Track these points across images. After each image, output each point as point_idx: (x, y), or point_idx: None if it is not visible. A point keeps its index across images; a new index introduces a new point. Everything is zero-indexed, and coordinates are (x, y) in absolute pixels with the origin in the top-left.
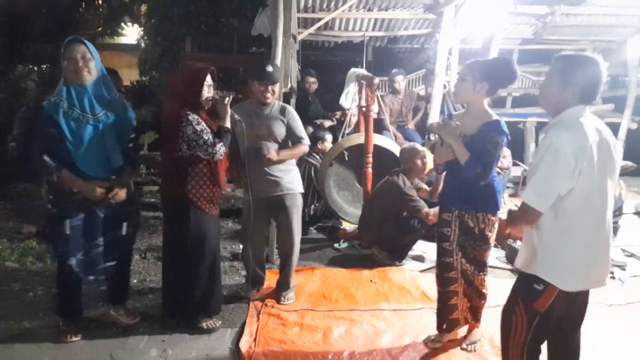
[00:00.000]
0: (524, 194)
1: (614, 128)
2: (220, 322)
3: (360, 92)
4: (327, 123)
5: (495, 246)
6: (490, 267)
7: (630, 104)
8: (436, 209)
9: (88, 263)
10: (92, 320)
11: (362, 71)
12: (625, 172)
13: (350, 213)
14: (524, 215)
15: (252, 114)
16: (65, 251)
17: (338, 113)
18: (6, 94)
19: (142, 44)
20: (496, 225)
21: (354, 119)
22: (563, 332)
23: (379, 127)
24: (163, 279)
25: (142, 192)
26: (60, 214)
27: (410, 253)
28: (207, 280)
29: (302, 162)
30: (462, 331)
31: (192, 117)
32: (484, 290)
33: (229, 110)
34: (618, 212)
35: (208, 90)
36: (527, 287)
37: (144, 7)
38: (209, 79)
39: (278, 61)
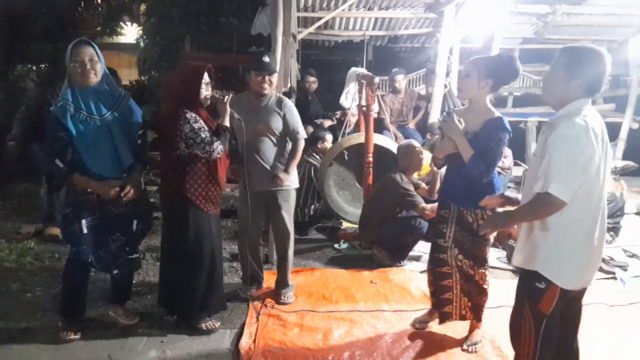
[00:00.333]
0: (550, 185)
1: (616, 128)
2: (219, 323)
3: (360, 91)
4: (327, 123)
5: (496, 246)
6: (491, 267)
7: (631, 103)
8: (434, 205)
9: (103, 260)
10: (92, 320)
11: (363, 70)
12: (626, 172)
13: (350, 213)
14: (547, 208)
15: (249, 108)
16: (82, 249)
17: (338, 113)
18: (6, 94)
19: (142, 44)
20: None
21: (354, 119)
22: (564, 336)
23: (380, 126)
24: (160, 277)
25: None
26: (75, 215)
27: (411, 254)
28: (206, 280)
29: (302, 162)
30: (463, 331)
31: (190, 115)
32: (484, 286)
33: (228, 108)
34: (619, 212)
35: (206, 88)
36: (529, 287)
37: (143, 7)
38: (206, 77)
39: (278, 61)
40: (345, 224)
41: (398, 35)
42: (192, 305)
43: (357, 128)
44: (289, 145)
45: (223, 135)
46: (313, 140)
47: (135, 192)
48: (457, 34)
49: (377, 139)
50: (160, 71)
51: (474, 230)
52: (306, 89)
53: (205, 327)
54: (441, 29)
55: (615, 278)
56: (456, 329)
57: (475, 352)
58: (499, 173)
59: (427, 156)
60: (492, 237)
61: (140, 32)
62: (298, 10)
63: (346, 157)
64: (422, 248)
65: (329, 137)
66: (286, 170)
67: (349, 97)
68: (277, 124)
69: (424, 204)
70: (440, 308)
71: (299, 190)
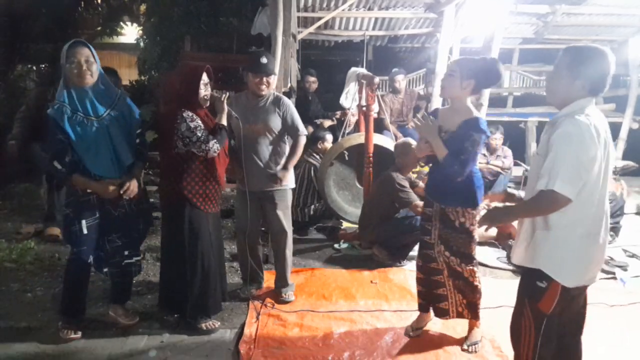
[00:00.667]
0: (556, 183)
1: (615, 128)
2: (219, 323)
3: (360, 91)
4: (327, 123)
5: (496, 246)
6: (491, 267)
7: (631, 103)
8: None
9: (103, 260)
10: (92, 320)
11: (363, 70)
12: (626, 172)
13: (350, 213)
14: (550, 205)
15: (248, 108)
16: (82, 250)
17: (338, 113)
18: (6, 94)
19: (141, 44)
20: (477, 219)
21: (354, 119)
22: (566, 336)
23: (379, 126)
24: (160, 277)
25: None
26: (75, 215)
27: (411, 254)
28: (204, 280)
29: (302, 162)
30: (462, 331)
31: (187, 114)
32: (475, 283)
33: (225, 107)
34: (619, 212)
35: (205, 89)
36: (530, 286)
37: (143, 7)
38: (205, 77)
39: (278, 61)
40: (345, 224)
41: (398, 35)
42: (191, 305)
43: (357, 128)
44: (286, 146)
45: (219, 134)
46: (313, 140)
47: (135, 189)
48: (457, 34)
49: (377, 139)
50: (160, 71)
51: (456, 228)
52: (306, 89)
53: (205, 327)
54: (441, 29)
55: (615, 278)
56: (456, 328)
57: (475, 352)
58: (499, 173)
59: None
60: (476, 234)
61: (140, 32)
62: (298, 10)
63: (346, 157)
64: None
65: (329, 137)
66: (286, 167)
67: (349, 97)
68: (275, 124)
69: (417, 202)
70: (435, 303)
71: (299, 190)
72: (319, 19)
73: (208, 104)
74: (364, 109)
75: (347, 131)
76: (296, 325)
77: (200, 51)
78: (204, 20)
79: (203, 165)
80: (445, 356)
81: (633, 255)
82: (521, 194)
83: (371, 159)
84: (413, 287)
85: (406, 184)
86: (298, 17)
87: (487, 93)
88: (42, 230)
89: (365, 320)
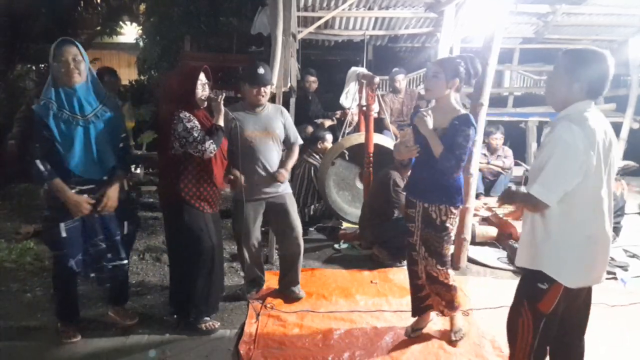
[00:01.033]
0: (534, 187)
1: (616, 128)
2: (219, 324)
3: (360, 91)
4: (327, 122)
5: (497, 246)
6: (492, 267)
7: (632, 103)
8: None
9: (87, 264)
10: (92, 320)
11: (363, 70)
12: (627, 172)
13: (350, 213)
14: (532, 207)
15: (249, 116)
16: (62, 253)
17: (338, 112)
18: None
19: (141, 43)
20: (457, 219)
21: (355, 118)
22: (566, 335)
23: (380, 126)
24: (170, 277)
25: (141, 192)
26: (56, 217)
27: None
28: (204, 280)
29: (302, 162)
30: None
31: (184, 114)
32: (450, 283)
33: (222, 108)
34: (620, 212)
35: (203, 89)
36: (531, 287)
37: (143, 6)
38: (203, 78)
39: (277, 60)
40: (345, 224)
41: (398, 34)
42: (191, 305)
43: (357, 128)
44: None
45: (216, 135)
46: (313, 140)
47: (115, 203)
48: (457, 33)
49: (378, 138)
50: (160, 71)
51: (437, 227)
52: (306, 88)
53: (205, 328)
54: (441, 28)
55: (616, 278)
56: None
57: (462, 338)
58: (499, 173)
59: None
60: (453, 235)
61: (140, 31)
62: (298, 10)
63: (347, 157)
64: None
65: (329, 137)
66: (285, 168)
67: (349, 97)
68: (280, 131)
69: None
70: (421, 303)
71: (299, 190)
72: (319, 18)
73: (206, 104)
74: (364, 108)
75: (347, 131)
76: (296, 326)
77: (200, 51)
78: (203, 20)
79: (200, 166)
80: (445, 356)
81: (634, 256)
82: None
83: (371, 158)
84: None
85: (402, 183)
86: (298, 17)
87: (487, 93)
88: (41, 232)
89: (365, 320)
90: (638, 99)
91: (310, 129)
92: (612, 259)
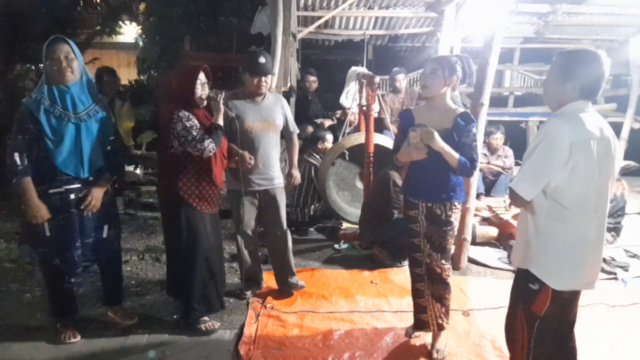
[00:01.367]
0: (514, 180)
1: (617, 127)
2: (219, 324)
3: (360, 91)
4: (327, 122)
5: (497, 246)
6: (492, 267)
7: (632, 103)
8: None
9: (70, 264)
10: (91, 320)
11: (363, 70)
12: (627, 172)
13: (350, 213)
14: (514, 201)
15: (249, 106)
16: (45, 252)
17: (338, 112)
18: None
19: (141, 43)
20: (459, 214)
21: (355, 118)
22: (563, 338)
23: (380, 126)
24: (167, 275)
25: (141, 192)
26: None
27: None
28: (202, 280)
29: (302, 162)
30: (462, 330)
31: (183, 113)
32: (448, 281)
33: (221, 107)
34: (620, 212)
35: (202, 88)
36: (523, 287)
37: (142, 6)
38: (202, 77)
39: (277, 60)
40: (345, 224)
41: (398, 34)
42: (190, 304)
43: (357, 128)
44: (279, 147)
45: (215, 134)
46: (313, 140)
47: (98, 205)
48: (457, 33)
49: (378, 138)
50: (160, 71)
51: (442, 222)
52: (306, 88)
53: (205, 328)
54: (442, 28)
55: (616, 278)
56: (456, 329)
57: (444, 357)
58: (500, 173)
59: None
60: (456, 229)
61: (140, 31)
62: (298, 10)
63: (347, 157)
64: None
65: (329, 137)
66: (294, 166)
67: (349, 97)
68: (281, 121)
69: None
70: (416, 314)
71: (299, 190)
72: (319, 18)
73: (205, 103)
74: (364, 108)
75: (347, 131)
76: (296, 326)
77: (200, 51)
78: (203, 20)
79: (199, 165)
80: (448, 354)
81: (634, 256)
82: None
83: (371, 158)
84: None
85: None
86: (298, 16)
87: (487, 92)
88: (23, 229)
89: (365, 320)
90: (638, 99)
91: (310, 128)
92: (613, 259)
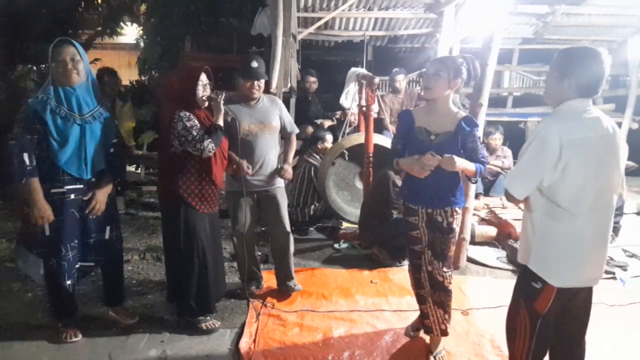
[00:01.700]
0: (506, 180)
1: None
2: (219, 323)
3: (360, 91)
4: (327, 123)
5: (496, 246)
6: (491, 267)
7: (631, 103)
8: None
9: (68, 264)
10: (92, 320)
11: (363, 71)
12: (626, 172)
13: (350, 213)
14: (509, 199)
15: (245, 109)
16: (43, 253)
17: (338, 113)
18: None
19: (142, 44)
20: (460, 219)
21: (354, 119)
22: (566, 335)
23: (379, 126)
24: (166, 275)
25: (142, 192)
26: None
27: None
28: (202, 279)
29: (302, 162)
30: (462, 330)
31: (184, 113)
32: (449, 288)
33: (222, 108)
34: (619, 211)
35: (203, 89)
36: (526, 286)
37: (143, 7)
38: (204, 78)
39: (278, 61)
40: (345, 224)
41: (398, 35)
42: (190, 304)
43: (357, 128)
44: (279, 147)
45: (215, 134)
46: (313, 141)
47: (102, 207)
48: (456, 34)
49: (377, 139)
50: (161, 71)
51: (444, 229)
52: (306, 89)
53: (205, 327)
54: (441, 29)
55: (615, 278)
56: (455, 328)
57: (443, 357)
58: (499, 173)
59: None
60: (457, 235)
61: (141, 32)
62: (298, 11)
63: (346, 158)
64: None
65: (329, 137)
66: (288, 162)
67: (349, 97)
68: (276, 122)
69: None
70: (422, 319)
71: (299, 190)
72: (319, 19)
73: (206, 104)
74: (364, 109)
75: (347, 131)
76: (296, 325)
77: (201, 51)
78: (204, 20)
79: (199, 165)
80: (446, 357)
81: (633, 255)
82: None
83: (371, 158)
84: None
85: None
86: (298, 18)
87: (486, 93)
88: (22, 229)
89: (365, 320)
90: (637, 99)
91: (310, 129)
92: (611, 258)
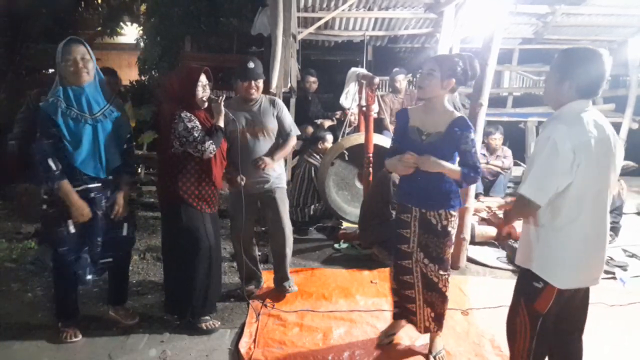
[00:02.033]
0: (523, 187)
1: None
2: (219, 323)
3: (360, 91)
4: (327, 123)
5: (496, 246)
6: (491, 267)
7: (631, 103)
8: None
9: (87, 263)
10: (92, 320)
11: (363, 71)
12: (625, 172)
13: (350, 213)
14: (522, 209)
15: (243, 111)
16: (66, 251)
17: (338, 113)
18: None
19: (142, 44)
20: (457, 221)
21: (354, 119)
22: (564, 334)
23: (379, 126)
24: (164, 278)
25: (142, 192)
26: (61, 213)
27: None
28: (201, 279)
29: (302, 162)
30: (462, 329)
31: (185, 114)
32: (446, 293)
33: (222, 109)
34: (618, 211)
35: (203, 90)
36: (527, 286)
37: (143, 7)
38: (203, 79)
39: (278, 61)
40: (345, 224)
41: (398, 35)
42: (189, 304)
43: (357, 128)
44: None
45: (216, 135)
46: (313, 141)
47: (124, 210)
48: (456, 34)
49: (377, 139)
50: (161, 71)
51: (438, 232)
52: (306, 89)
53: (206, 327)
54: (441, 29)
55: (614, 278)
56: (455, 328)
57: (443, 356)
58: (499, 173)
59: None
60: (454, 238)
61: (141, 32)
62: (298, 11)
63: (346, 158)
64: None
65: (329, 137)
66: (272, 157)
67: (349, 97)
68: (273, 124)
69: None
70: (406, 317)
71: (299, 190)
72: (319, 19)
73: (206, 105)
74: (364, 109)
75: (347, 131)
76: (296, 325)
77: (201, 51)
78: (204, 20)
79: (199, 165)
80: (446, 357)
81: (633, 255)
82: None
83: (371, 158)
84: None
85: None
86: (298, 18)
87: (486, 93)
88: (41, 231)
89: (365, 320)
90: (637, 99)
91: (310, 129)
92: (611, 258)
